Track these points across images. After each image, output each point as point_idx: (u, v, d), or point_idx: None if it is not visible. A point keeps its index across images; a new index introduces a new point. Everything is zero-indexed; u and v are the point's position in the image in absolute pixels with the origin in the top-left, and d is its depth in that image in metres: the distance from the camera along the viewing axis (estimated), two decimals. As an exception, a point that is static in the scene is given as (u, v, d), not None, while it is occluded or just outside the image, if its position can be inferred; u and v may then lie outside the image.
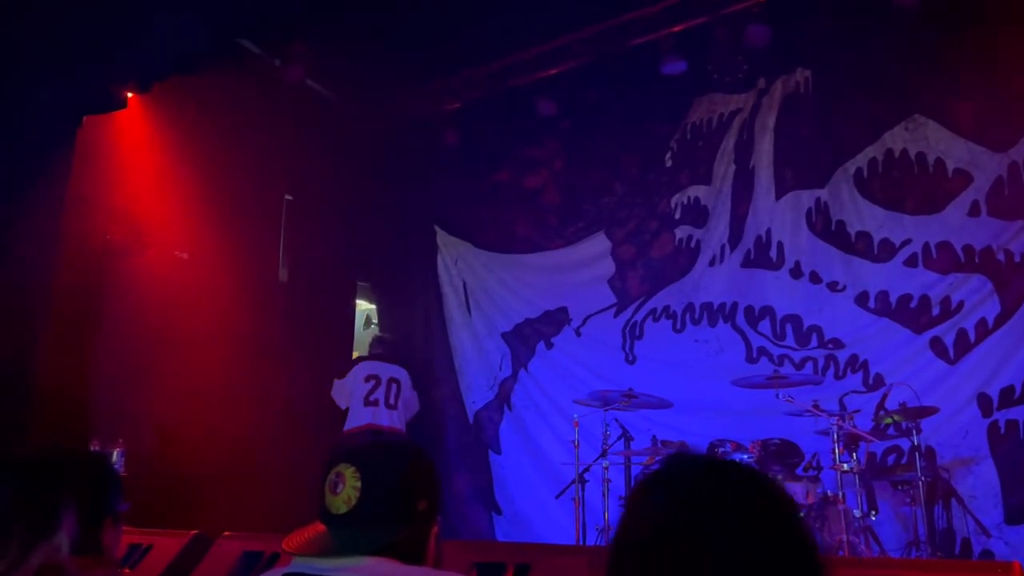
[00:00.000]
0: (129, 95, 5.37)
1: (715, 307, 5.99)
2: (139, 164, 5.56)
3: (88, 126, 5.19)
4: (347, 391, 6.01)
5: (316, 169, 6.51)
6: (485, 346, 6.96)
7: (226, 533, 3.01)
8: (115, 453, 4.84)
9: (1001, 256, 5.06)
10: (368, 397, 5.93)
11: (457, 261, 7.25)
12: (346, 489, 1.40)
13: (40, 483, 1.52)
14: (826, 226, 5.67)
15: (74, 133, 5.08)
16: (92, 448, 4.90)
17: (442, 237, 7.36)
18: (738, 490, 1.04)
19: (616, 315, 6.44)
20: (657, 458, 4.97)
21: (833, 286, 5.59)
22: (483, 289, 7.09)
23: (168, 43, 4.64)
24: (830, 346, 5.52)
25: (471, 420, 6.93)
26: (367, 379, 6.01)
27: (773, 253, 5.83)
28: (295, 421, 5.81)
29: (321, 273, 6.68)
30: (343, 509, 1.40)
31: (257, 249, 6.28)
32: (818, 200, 5.73)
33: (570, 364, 6.51)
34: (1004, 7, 5.05)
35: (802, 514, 4.35)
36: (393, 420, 5.97)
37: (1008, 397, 4.91)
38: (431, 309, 7.28)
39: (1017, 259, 5.01)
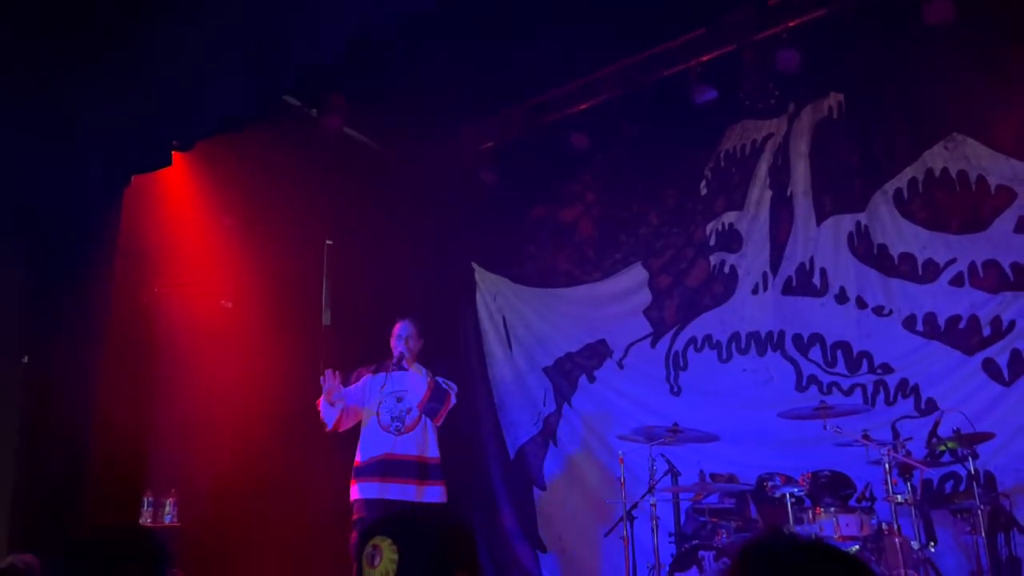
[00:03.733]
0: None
1: (763, 336, 5.92)
2: (184, 217, 5.73)
3: (134, 182, 5.36)
4: None
5: (355, 213, 6.63)
6: (527, 381, 6.96)
7: (276, 586, 3.05)
8: (168, 503, 4.95)
9: (1052, 273, 4.94)
10: None
11: (496, 297, 7.30)
12: (383, 562, 1.41)
13: (90, 567, 1.57)
14: (868, 250, 5.59)
15: (122, 192, 5.26)
16: (146, 498, 5.03)
17: (480, 274, 7.42)
18: None
19: (653, 344, 6.40)
20: (705, 495, 4.91)
21: (879, 310, 5.49)
22: (523, 324, 7.11)
23: (214, 104, 4.80)
24: (879, 371, 5.41)
25: (513, 456, 6.91)
26: None
27: (817, 280, 5.76)
28: (347, 468, 5.84)
29: (363, 315, 6.77)
30: (381, 582, 1.41)
31: (301, 295, 6.39)
32: (858, 224, 5.65)
33: (614, 397, 6.48)
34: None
35: (857, 547, 4.28)
36: None
37: (1068, 419, 4.76)
38: (471, 346, 7.31)
39: (1068, 276, 4.88)
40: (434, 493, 4.77)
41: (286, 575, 3.76)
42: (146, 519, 4.92)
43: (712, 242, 6.29)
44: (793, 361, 5.75)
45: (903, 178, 5.54)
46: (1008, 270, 5.09)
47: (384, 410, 4.84)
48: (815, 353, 5.69)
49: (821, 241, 5.80)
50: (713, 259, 6.25)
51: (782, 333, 5.84)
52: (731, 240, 6.19)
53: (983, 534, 4.28)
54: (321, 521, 5.39)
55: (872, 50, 5.64)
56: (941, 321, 5.26)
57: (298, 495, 5.37)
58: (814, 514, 4.43)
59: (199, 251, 5.74)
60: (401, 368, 4.88)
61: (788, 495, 4.54)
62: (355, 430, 5.11)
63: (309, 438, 5.66)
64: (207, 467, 5.20)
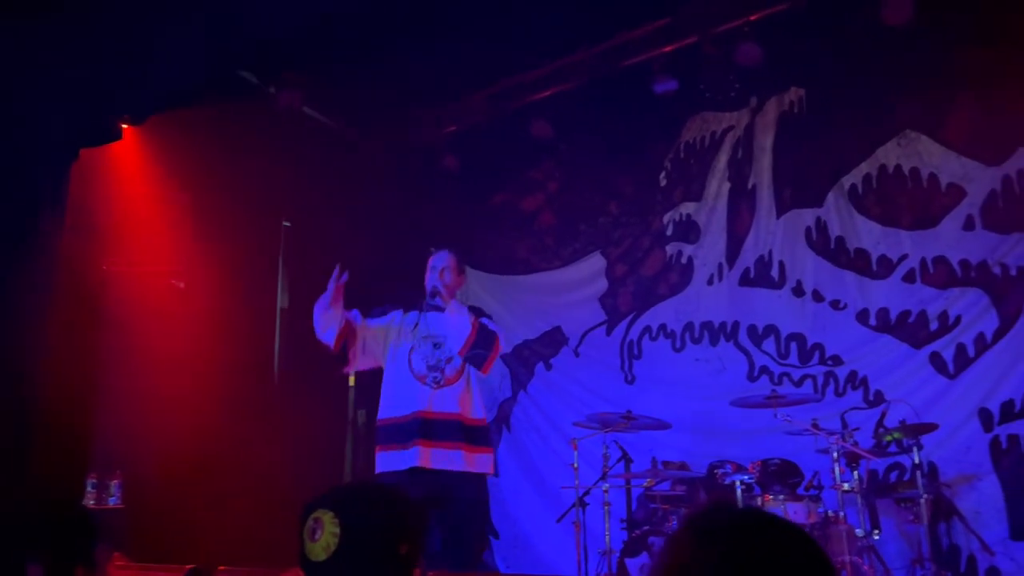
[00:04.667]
0: (124, 126, 5.41)
1: (716, 326, 5.98)
2: (135, 194, 5.58)
3: (83, 156, 5.21)
4: None
5: (313, 195, 6.53)
6: (484, 368, 6.93)
7: (221, 568, 3.00)
8: (113, 485, 4.85)
9: (997, 270, 5.06)
10: None
11: (455, 283, 7.24)
12: (324, 535, 1.39)
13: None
14: (826, 244, 5.67)
15: (70, 165, 5.11)
16: (90, 480, 4.91)
17: (438, 259, 7.35)
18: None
19: (608, 332, 6.43)
20: (657, 481, 4.95)
21: (835, 304, 5.58)
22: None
23: (166, 78, 4.68)
24: (830, 363, 5.50)
25: (468, 442, 6.89)
26: None
27: (775, 272, 5.83)
28: (298, 450, 5.78)
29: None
30: (322, 556, 1.38)
31: (256, 276, 6.29)
32: (818, 219, 5.74)
33: (570, 385, 6.49)
34: (993, 22, 5.07)
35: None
36: None
37: (1009, 411, 4.88)
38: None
39: (1013, 272, 5.00)
40: (485, 462, 3.92)
41: (235, 556, 3.70)
42: (90, 501, 4.81)
43: (669, 232, 6.33)
44: (746, 351, 5.83)
45: (858, 174, 5.63)
46: (956, 267, 5.21)
47: (418, 357, 3.92)
48: (769, 344, 5.77)
49: (780, 234, 5.87)
50: (669, 249, 6.29)
51: (736, 324, 5.91)
52: (688, 231, 6.25)
53: (925, 523, 4.39)
54: (272, 502, 5.32)
55: (831, 46, 5.71)
56: (893, 316, 5.37)
57: (248, 477, 5.29)
58: (763, 501, 4.49)
59: (151, 229, 5.60)
60: (436, 307, 4.00)
61: (738, 482, 4.59)
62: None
63: (260, 420, 5.60)
64: (154, 449, 5.09)
